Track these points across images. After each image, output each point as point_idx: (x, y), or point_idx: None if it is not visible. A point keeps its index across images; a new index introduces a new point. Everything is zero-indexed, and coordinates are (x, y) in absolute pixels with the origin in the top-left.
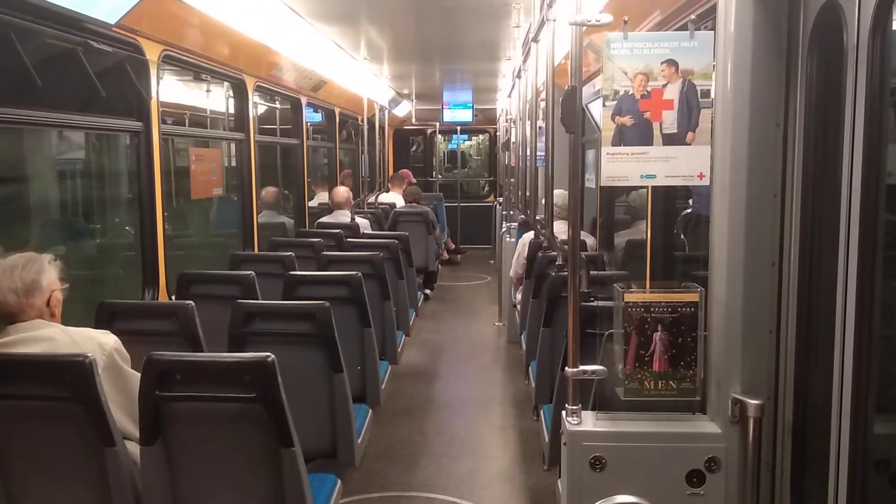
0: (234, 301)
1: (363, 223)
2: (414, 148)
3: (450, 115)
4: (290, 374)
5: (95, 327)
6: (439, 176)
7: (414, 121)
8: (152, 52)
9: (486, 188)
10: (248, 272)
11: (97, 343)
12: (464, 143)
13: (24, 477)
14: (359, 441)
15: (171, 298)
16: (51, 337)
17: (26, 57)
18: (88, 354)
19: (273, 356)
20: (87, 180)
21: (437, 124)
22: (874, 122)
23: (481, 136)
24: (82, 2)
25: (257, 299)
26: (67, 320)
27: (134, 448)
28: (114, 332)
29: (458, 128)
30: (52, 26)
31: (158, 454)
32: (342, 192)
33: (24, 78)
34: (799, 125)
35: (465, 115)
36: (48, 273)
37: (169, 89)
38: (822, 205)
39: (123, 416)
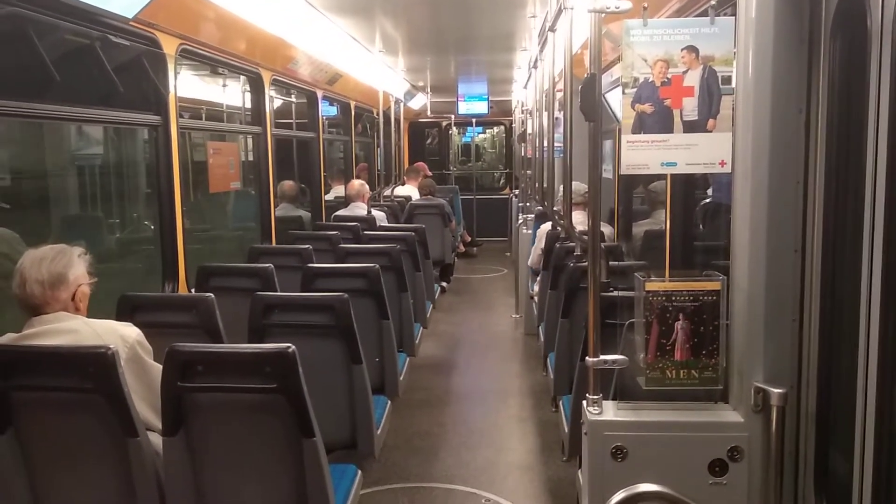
0: (254, 293)
1: (379, 216)
2: (429, 140)
3: (465, 108)
4: (309, 365)
5: (117, 319)
6: (455, 168)
7: (429, 113)
8: (170, 47)
9: (502, 180)
10: (267, 265)
11: (119, 335)
12: (479, 136)
13: (48, 467)
14: (378, 432)
15: (190, 291)
16: (74, 329)
17: (45, 52)
18: (111, 346)
19: (294, 347)
20: (107, 174)
21: (453, 116)
22: None
23: (496, 129)
24: None
25: (276, 292)
26: (90, 312)
27: (156, 439)
28: (135, 325)
29: (474, 120)
30: (69, 21)
31: (181, 445)
32: (357, 185)
33: (43, 73)
34: (822, 111)
35: (481, 108)
36: (76, 267)
37: (186, 83)
38: (845, 192)
39: (146, 408)
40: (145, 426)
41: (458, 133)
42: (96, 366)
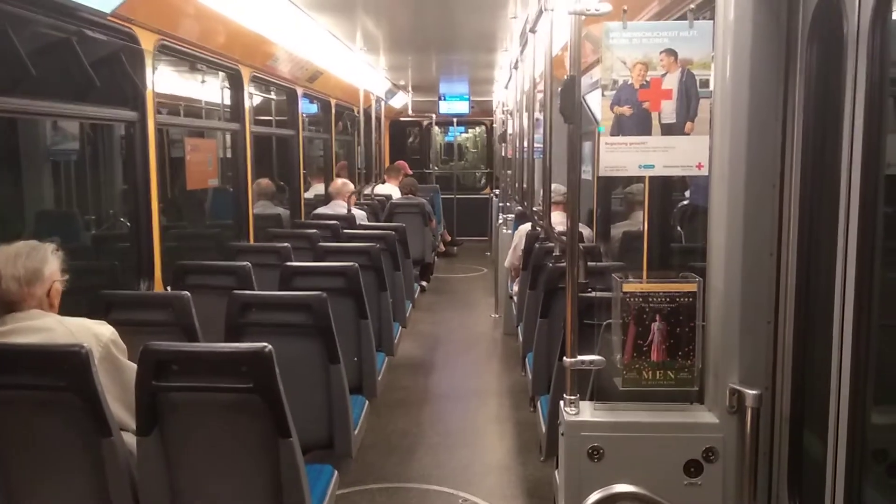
0: (231, 292)
1: (359, 214)
2: (411, 139)
3: (446, 107)
4: (286, 364)
5: (92, 318)
6: (436, 167)
7: (410, 112)
8: (147, 42)
9: (483, 180)
10: (244, 263)
11: (93, 333)
12: (461, 136)
13: (20, 467)
14: (355, 432)
15: (166, 289)
16: (48, 327)
17: (21, 46)
18: (84, 345)
19: (270, 346)
20: (82, 170)
21: (434, 116)
22: (874, 113)
23: (478, 129)
24: None
25: (253, 290)
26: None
27: (130, 439)
28: (110, 323)
29: (455, 119)
30: (46, 15)
31: (155, 445)
32: (340, 183)
33: (19, 67)
34: (798, 115)
35: (462, 107)
36: (51, 263)
37: (164, 79)
38: (820, 195)
39: (120, 407)
40: (119, 426)
41: (442, 132)
42: (69, 365)
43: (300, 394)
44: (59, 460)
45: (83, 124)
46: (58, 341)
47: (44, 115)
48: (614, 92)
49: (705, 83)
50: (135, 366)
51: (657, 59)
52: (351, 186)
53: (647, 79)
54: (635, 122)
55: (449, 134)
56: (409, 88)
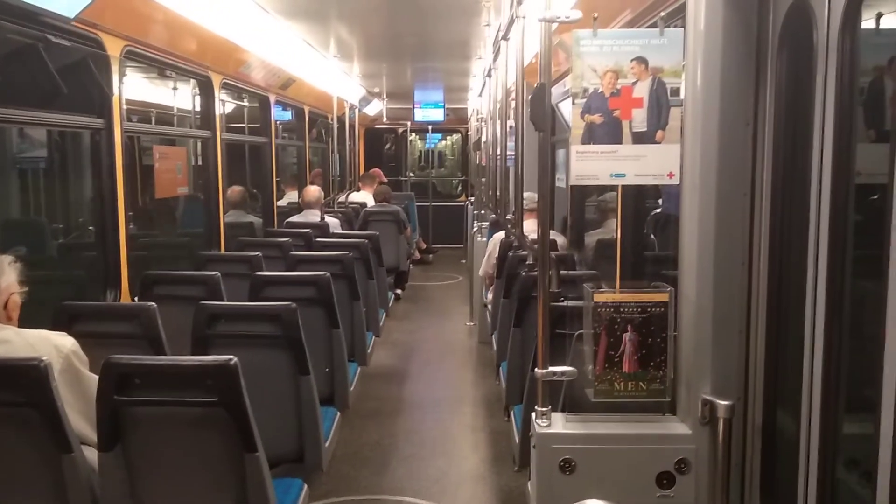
0: (198, 302)
1: (333, 223)
2: (387, 146)
3: (421, 115)
4: (255, 376)
5: (54, 329)
6: (411, 174)
7: (385, 119)
8: (114, 48)
9: (459, 188)
10: (214, 272)
11: (53, 345)
12: (438, 143)
13: None
14: (326, 444)
15: (133, 300)
16: (6, 339)
17: None
18: (44, 358)
19: (236, 359)
20: (51, 177)
21: (409, 123)
22: (844, 121)
23: (455, 136)
24: None
25: (222, 300)
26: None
27: (92, 454)
28: (73, 335)
29: (430, 127)
30: (8, 20)
31: (117, 460)
32: (313, 191)
33: None
34: (769, 123)
35: (437, 115)
36: (7, 275)
37: (134, 85)
38: (791, 204)
39: (81, 421)
40: (81, 440)
41: (420, 139)
42: (28, 379)
43: (269, 406)
44: (17, 478)
45: (51, 131)
46: (17, 354)
47: (7, 122)
48: (585, 100)
49: (676, 91)
50: (97, 378)
51: (628, 66)
52: (320, 193)
53: (618, 87)
54: (606, 131)
55: (429, 141)
56: (384, 96)
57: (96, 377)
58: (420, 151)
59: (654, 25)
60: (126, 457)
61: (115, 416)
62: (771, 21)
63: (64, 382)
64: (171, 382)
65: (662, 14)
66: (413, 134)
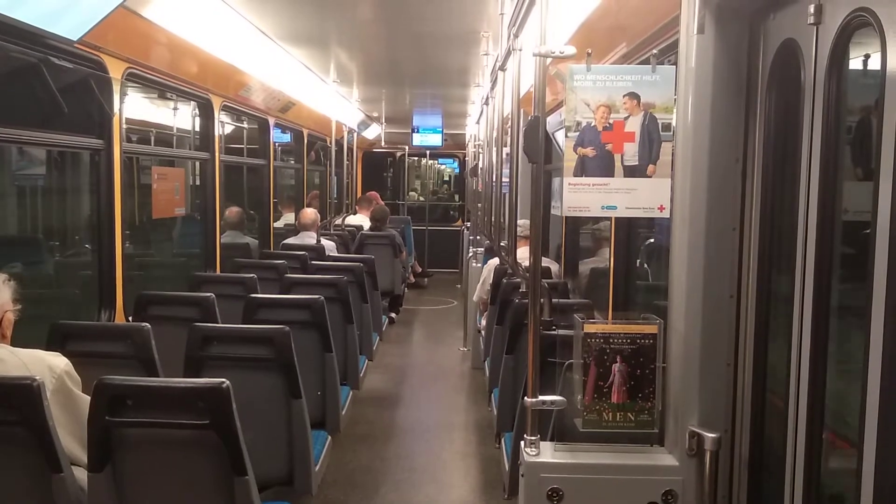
0: (191, 324)
1: (329, 245)
2: (386, 171)
3: (419, 139)
4: (247, 399)
5: (47, 349)
6: (409, 197)
7: (383, 143)
8: (116, 70)
9: (455, 213)
10: (208, 294)
11: (47, 365)
12: (436, 168)
13: None
14: (316, 468)
15: (128, 320)
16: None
17: None
18: (37, 377)
19: (228, 382)
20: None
21: (407, 147)
22: (830, 159)
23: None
24: (44, 17)
25: (217, 322)
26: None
27: (82, 474)
28: (67, 355)
29: (428, 152)
30: (12, 41)
31: (107, 481)
32: (309, 213)
33: None
34: (758, 160)
35: (435, 140)
36: (1, 293)
37: (134, 106)
38: (779, 239)
39: (72, 441)
40: (72, 460)
41: (428, 165)
42: (20, 398)
43: (260, 429)
44: (6, 497)
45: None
46: (10, 372)
47: (8, 141)
48: (578, 133)
49: (667, 127)
50: (89, 399)
51: (620, 101)
52: (317, 216)
53: (611, 121)
54: (598, 164)
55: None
56: (383, 120)
57: (88, 398)
58: (420, 174)
59: (646, 61)
60: (116, 478)
61: (106, 437)
62: (760, 60)
63: (57, 402)
64: (163, 404)
65: (655, 51)
66: (413, 158)
